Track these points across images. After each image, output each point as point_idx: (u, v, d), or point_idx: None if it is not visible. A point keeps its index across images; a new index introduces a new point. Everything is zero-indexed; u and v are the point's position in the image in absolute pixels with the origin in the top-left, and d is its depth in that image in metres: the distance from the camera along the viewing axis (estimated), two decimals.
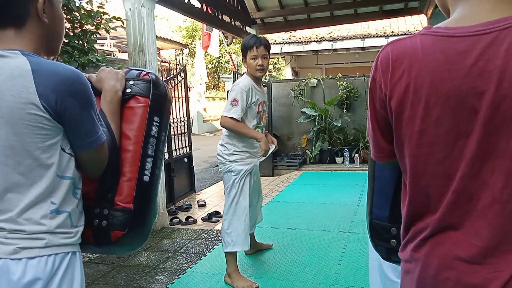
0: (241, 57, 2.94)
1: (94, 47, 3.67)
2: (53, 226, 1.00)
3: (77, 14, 3.43)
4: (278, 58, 16.85)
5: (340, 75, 8.07)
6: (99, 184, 1.13)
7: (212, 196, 5.79)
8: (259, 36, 2.89)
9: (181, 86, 5.66)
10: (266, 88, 7.05)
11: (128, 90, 1.21)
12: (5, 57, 0.95)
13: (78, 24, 3.51)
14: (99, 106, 1.13)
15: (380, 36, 10.48)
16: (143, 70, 1.28)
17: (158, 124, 1.23)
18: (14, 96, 0.92)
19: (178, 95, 5.61)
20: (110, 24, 3.70)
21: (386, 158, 0.90)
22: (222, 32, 8.80)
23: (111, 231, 1.12)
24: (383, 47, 0.87)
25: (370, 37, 10.57)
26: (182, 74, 5.69)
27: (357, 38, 10.66)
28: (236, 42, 16.67)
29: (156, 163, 1.22)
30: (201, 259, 3.38)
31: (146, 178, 1.17)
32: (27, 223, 0.98)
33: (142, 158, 1.17)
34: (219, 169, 2.99)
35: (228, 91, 7.37)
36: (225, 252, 2.89)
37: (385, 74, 0.81)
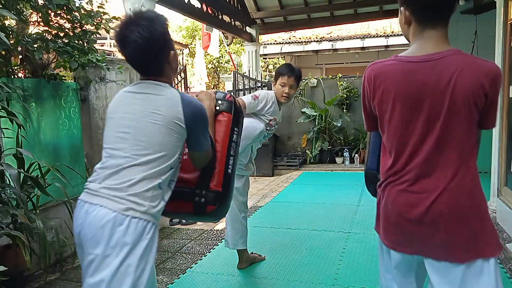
0: (273, 79, 3.15)
1: (94, 47, 3.67)
2: (153, 200, 1.42)
3: (77, 14, 3.43)
4: (278, 58, 16.86)
5: (340, 75, 8.07)
6: (200, 174, 1.66)
7: None
8: (294, 67, 3.09)
9: (181, 86, 5.66)
10: (266, 88, 7.05)
11: (218, 108, 1.78)
12: (161, 86, 1.52)
13: (78, 24, 3.51)
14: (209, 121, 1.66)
15: (380, 36, 10.47)
16: (227, 93, 1.84)
17: (237, 133, 1.78)
18: (167, 110, 1.45)
19: None
20: (110, 24, 3.69)
21: (372, 130, 1.51)
22: (222, 32, 8.80)
23: (207, 205, 1.65)
24: (367, 67, 1.42)
25: (370, 37, 10.56)
26: (182, 74, 5.69)
27: (357, 38, 10.65)
28: (236, 42, 16.64)
29: (235, 161, 1.75)
30: (201, 259, 3.38)
31: (229, 171, 1.71)
32: (138, 192, 1.39)
33: (227, 157, 1.71)
34: None
35: (228, 91, 7.38)
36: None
37: (370, 85, 1.38)
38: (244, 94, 7.23)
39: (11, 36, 3.12)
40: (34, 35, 3.28)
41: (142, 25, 1.44)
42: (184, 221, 4.47)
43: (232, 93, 6.95)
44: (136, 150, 1.44)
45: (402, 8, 1.47)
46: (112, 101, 1.61)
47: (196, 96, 1.75)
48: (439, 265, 1.32)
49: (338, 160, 7.71)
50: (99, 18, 3.61)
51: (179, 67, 5.67)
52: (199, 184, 1.66)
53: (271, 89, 7.07)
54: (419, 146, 1.32)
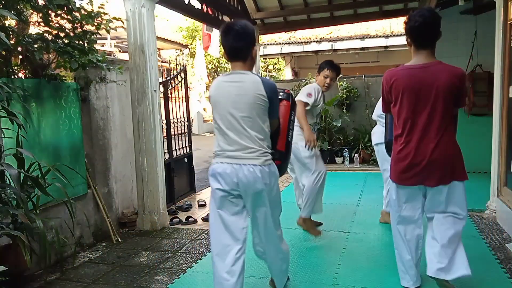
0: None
1: (95, 47, 3.67)
2: (269, 152, 2.26)
3: (77, 14, 3.44)
4: (278, 58, 16.85)
5: (340, 75, 8.07)
6: (273, 140, 2.35)
7: None
8: (335, 63, 3.88)
9: (181, 86, 5.66)
10: None
11: (280, 97, 2.51)
12: (245, 74, 2.23)
13: (79, 24, 3.51)
14: None
15: (380, 36, 10.48)
16: (285, 89, 2.70)
17: (293, 114, 2.66)
18: (252, 90, 2.16)
19: (179, 95, 5.61)
20: (110, 25, 3.70)
21: (387, 111, 2.56)
22: None
23: (276, 160, 2.35)
24: (386, 72, 2.44)
25: (370, 37, 10.57)
26: (183, 74, 5.69)
27: (357, 38, 10.66)
28: None
29: (292, 132, 2.63)
30: (201, 259, 3.38)
31: (289, 139, 2.58)
32: (264, 149, 2.22)
33: (287, 130, 2.57)
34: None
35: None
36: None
37: (387, 82, 2.41)
38: None
39: (11, 36, 3.12)
40: (35, 35, 3.28)
41: (241, 24, 2.23)
42: (184, 221, 4.48)
43: None
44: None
45: (406, 36, 2.43)
46: (212, 88, 2.28)
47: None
48: (436, 188, 2.40)
49: (338, 160, 7.71)
50: (99, 19, 3.62)
51: (179, 67, 5.67)
52: (272, 147, 2.36)
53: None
54: (418, 119, 2.34)
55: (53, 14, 3.34)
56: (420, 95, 2.31)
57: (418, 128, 2.33)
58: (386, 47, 10.48)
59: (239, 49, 2.21)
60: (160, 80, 4.72)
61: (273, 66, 21.23)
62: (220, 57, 19.03)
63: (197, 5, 5.83)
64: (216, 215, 2.24)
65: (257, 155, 2.18)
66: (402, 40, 10.13)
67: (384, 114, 2.78)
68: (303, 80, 8.17)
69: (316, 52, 11.32)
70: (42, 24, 3.40)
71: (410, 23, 2.33)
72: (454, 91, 2.30)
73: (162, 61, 12.26)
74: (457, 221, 2.42)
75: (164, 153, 4.69)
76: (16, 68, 3.32)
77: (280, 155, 2.45)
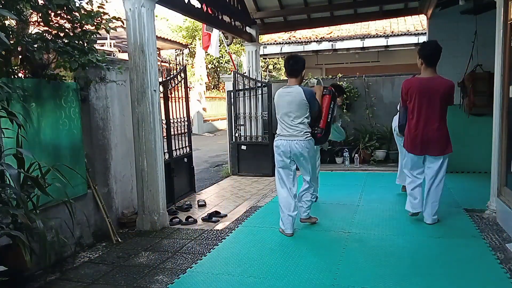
0: None
1: (94, 47, 3.67)
2: (309, 132, 3.81)
3: (77, 14, 3.43)
4: (278, 58, 16.85)
5: (340, 75, 8.07)
6: (315, 121, 3.87)
7: (212, 196, 5.79)
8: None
9: (181, 86, 5.65)
10: (266, 88, 7.05)
11: (323, 92, 4.00)
12: (294, 87, 3.81)
13: (78, 24, 3.51)
14: (319, 97, 3.92)
15: (380, 36, 10.46)
16: (328, 86, 4.18)
17: (333, 103, 3.99)
18: (298, 97, 3.76)
19: (178, 95, 5.61)
20: (110, 24, 3.70)
21: (404, 105, 4.05)
22: (222, 32, 8.80)
23: (317, 134, 3.88)
24: (404, 81, 4.06)
25: (370, 37, 10.55)
26: (182, 74, 5.68)
27: (357, 38, 10.63)
28: (236, 42, 16.63)
29: (331, 116, 3.98)
30: (201, 259, 3.38)
31: (328, 119, 3.95)
32: (306, 130, 3.79)
33: (328, 114, 3.93)
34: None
35: (228, 91, 7.38)
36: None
37: (406, 87, 3.96)
38: (244, 94, 7.23)
39: (11, 36, 3.12)
40: (34, 35, 3.28)
41: (296, 56, 3.95)
42: (184, 221, 4.48)
43: (232, 93, 7.01)
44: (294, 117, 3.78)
45: (419, 59, 3.86)
46: (276, 95, 3.89)
47: (312, 87, 4.23)
48: (433, 157, 3.90)
49: (338, 160, 7.71)
50: (99, 18, 3.61)
51: (179, 67, 5.67)
52: (314, 125, 3.88)
53: (271, 89, 7.07)
54: (423, 111, 3.81)
55: (52, 14, 3.34)
56: (426, 96, 3.81)
57: (424, 117, 3.84)
58: (387, 46, 10.45)
59: (294, 72, 3.85)
60: (160, 80, 4.71)
61: (273, 66, 21.23)
62: (220, 56, 19.04)
63: (197, 5, 5.82)
64: (278, 174, 3.93)
65: (300, 134, 3.76)
66: (403, 40, 10.18)
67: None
68: (303, 80, 8.15)
69: (316, 52, 11.28)
70: (41, 24, 3.40)
71: (423, 51, 3.85)
72: (447, 95, 3.83)
73: (162, 61, 12.25)
74: (441, 178, 4.00)
75: (164, 153, 4.69)
76: (16, 68, 3.32)
77: (321, 130, 3.92)
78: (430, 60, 3.80)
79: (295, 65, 3.82)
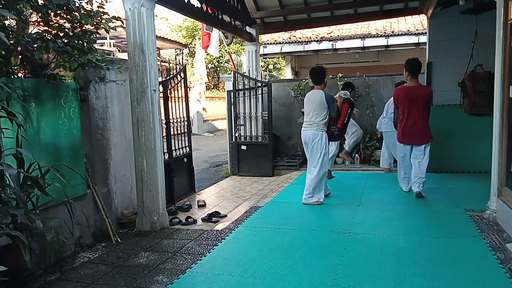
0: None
1: (94, 47, 3.66)
2: (325, 127, 4.93)
3: (77, 14, 3.43)
4: (278, 58, 16.83)
5: (340, 75, 8.06)
6: (334, 122, 5.07)
7: (212, 196, 5.78)
8: None
9: (181, 86, 5.65)
10: (266, 88, 7.05)
11: (343, 99, 5.27)
12: (318, 91, 4.96)
13: (78, 24, 3.50)
14: (340, 104, 5.18)
15: (380, 36, 10.46)
16: (348, 95, 5.82)
17: (351, 108, 5.23)
18: (318, 99, 4.86)
19: (178, 95, 5.60)
20: (110, 24, 3.69)
21: (397, 108, 5.17)
22: (222, 32, 8.79)
23: (335, 132, 5.10)
24: (395, 89, 5.36)
25: (370, 37, 10.55)
26: (182, 74, 5.68)
27: (357, 38, 10.64)
28: (236, 42, 16.61)
29: (349, 119, 5.26)
30: (201, 260, 3.37)
31: (345, 121, 5.21)
32: (319, 125, 4.87)
33: (346, 117, 5.17)
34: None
35: (228, 91, 7.38)
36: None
37: (396, 94, 5.14)
38: (244, 94, 7.22)
39: (11, 36, 3.12)
40: (34, 35, 3.28)
41: (318, 68, 5.11)
42: (184, 221, 4.47)
43: (232, 93, 7.01)
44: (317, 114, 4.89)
45: (405, 70, 5.05)
46: (306, 96, 5.04)
47: (336, 95, 5.42)
48: (418, 146, 5.02)
49: (338, 160, 7.70)
50: (98, 18, 3.61)
51: (178, 67, 5.66)
52: (334, 124, 5.04)
53: (271, 89, 7.06)
54: (410, 112, 4.93)
55: (52, 13, 3.33)
56: (412, 100, 4.90)
57: (411, 116, 4.92)
58: (387, 46, 10.45)
59: (318, 81, 4.95)
60: (160, 79, 4.71)
61: (274, 66, 21.23)
62: (219, 56, 19.03)
63: (197, 5, 5.82)
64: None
65: (315, 126, 4.84)
66: (403, 40, 10.18)
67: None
68: (303, 80, 8.16)
69: (316, 51, 11.29)
70: (41, 23, 3.39)
71: (409, 67, 4.94)
72: (428, 99, 4.91)
73: (162, 61, 12.24)
74: (425, 159, 5.00)
75: (164, 153, 4.69)
76: (15, 68, 3.32)
77: (338, 129, 5.06)
78: (414, 73, 4.96)
79: (317, 76, 4.98)
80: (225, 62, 21.08)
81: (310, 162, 4.94)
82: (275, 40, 11.45)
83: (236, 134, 7.26)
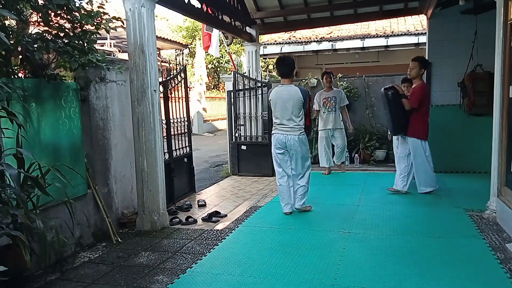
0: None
1: (94, 47, 3.66)
2: (303, 127, 4.39)
3: (77, 14, 3.43)
4: None
5: (340, 75, 8.07)
6: (304, 119, 4.42)
7: (212, 196, 5.79)
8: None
9: (181, 86, 5.65)
10: (266, 88, 7.05)
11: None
12: (292, 86, 4.34)
13: (78, 24, 3.50)
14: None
15: (380, 36, 10.46)
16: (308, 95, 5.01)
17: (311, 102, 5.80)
18: (295, 95, 4.24)
19: (178, 95, 5.61)
20: (110, 24, 3.69)
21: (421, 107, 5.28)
22: (222, 32, 8.79)
23: (305, 130, 4.46)
24: (424, 86, 5.29)
25: (370, 37, 10.55)
26: (182, 74, 5.68)
27: (357, 38, 10.64)
28: (236, 42, 16.62)
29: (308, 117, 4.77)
30: (201, 259, 3.38)
31: (311, 118, 5.72)
32: (300, 126, 4.34)
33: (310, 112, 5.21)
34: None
35: (228, 91, 7.38)
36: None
37: (426, 92, 5.31)
38: (244, 94, 7.23)
39: (11, 36, 3.12)
40: (34, 35, 3.28)
41: (287, 58, 4.44)
42: (184, 221, 4.48)
43: (232, 93, 7.01)
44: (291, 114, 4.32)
45: (420, 67, 5.20)
46: (272, 93, 4.40)
47: (313, 87, 7.33)
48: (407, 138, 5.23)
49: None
50: (99, 18, 3.61)
51: (179, 67, 5.67)
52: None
53: (270, 89, 7.10)
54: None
55: (52, 14, 3.34)
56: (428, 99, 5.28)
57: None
58: (387, 46, 10.45)
59: (286, 73, 4.36)
60: (160, 80, 4.71)
61: (273, 66, 21.21)
62: (220, 56, 19.03)
63: (197, 5, 5.82)
64: (275, 159, 4.47)
65: (296, 129, 4.31)
66: (403, 40, 10.18)
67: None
68: (303, 80, 8.16)
69: (316, 52, 11.29)
70: (41, 24, 3.40)
71: (425, 64, 5.29)
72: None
73: (162, 61, 12.25)
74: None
75: (164, 153, 4.69)
76: (16, 68, 3.32)
77: (307, 127, 4.51)
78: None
79: (286, 67, 4.35)
80: (225, 62, 21.09)
81: (297, 169, 4.45)
82: (275, 41, 11.45)
83: (236, 134, 7.26)
